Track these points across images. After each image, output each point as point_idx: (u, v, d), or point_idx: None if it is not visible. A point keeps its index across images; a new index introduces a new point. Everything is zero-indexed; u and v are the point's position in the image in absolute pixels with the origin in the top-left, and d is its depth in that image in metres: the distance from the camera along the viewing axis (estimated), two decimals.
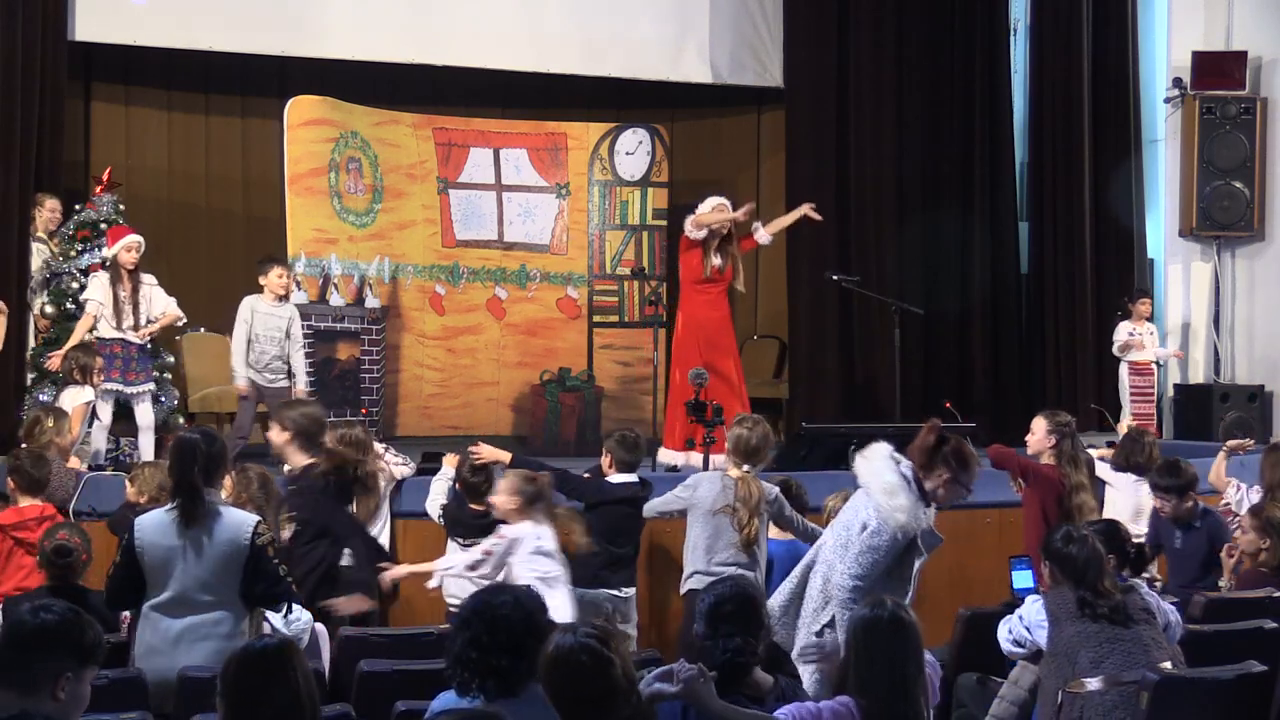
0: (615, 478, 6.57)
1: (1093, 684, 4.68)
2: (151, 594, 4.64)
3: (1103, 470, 7.67)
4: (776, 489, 6.23)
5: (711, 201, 8.97)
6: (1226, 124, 11.02)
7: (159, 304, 8.27)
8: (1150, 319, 10.40)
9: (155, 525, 4.67)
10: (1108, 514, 7.13)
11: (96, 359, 7.70)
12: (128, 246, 8.13)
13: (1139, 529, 6.79)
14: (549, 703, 3.30)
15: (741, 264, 9.09)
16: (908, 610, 3.77)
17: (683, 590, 6.14)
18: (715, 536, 6.04)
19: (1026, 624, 4.99)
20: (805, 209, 9.46)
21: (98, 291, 8.10)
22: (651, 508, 6.40)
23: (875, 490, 4.99)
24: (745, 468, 6.08)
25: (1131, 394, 10.22)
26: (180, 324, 8.59)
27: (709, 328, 8.83)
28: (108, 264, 8.22)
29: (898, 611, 3.73)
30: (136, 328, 8.10)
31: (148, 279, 8.27)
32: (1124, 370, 10.26)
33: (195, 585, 4.60)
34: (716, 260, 8.87)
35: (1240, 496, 7.18)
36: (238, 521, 4.65)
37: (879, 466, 5.03)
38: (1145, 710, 4.55)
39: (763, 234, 9.28)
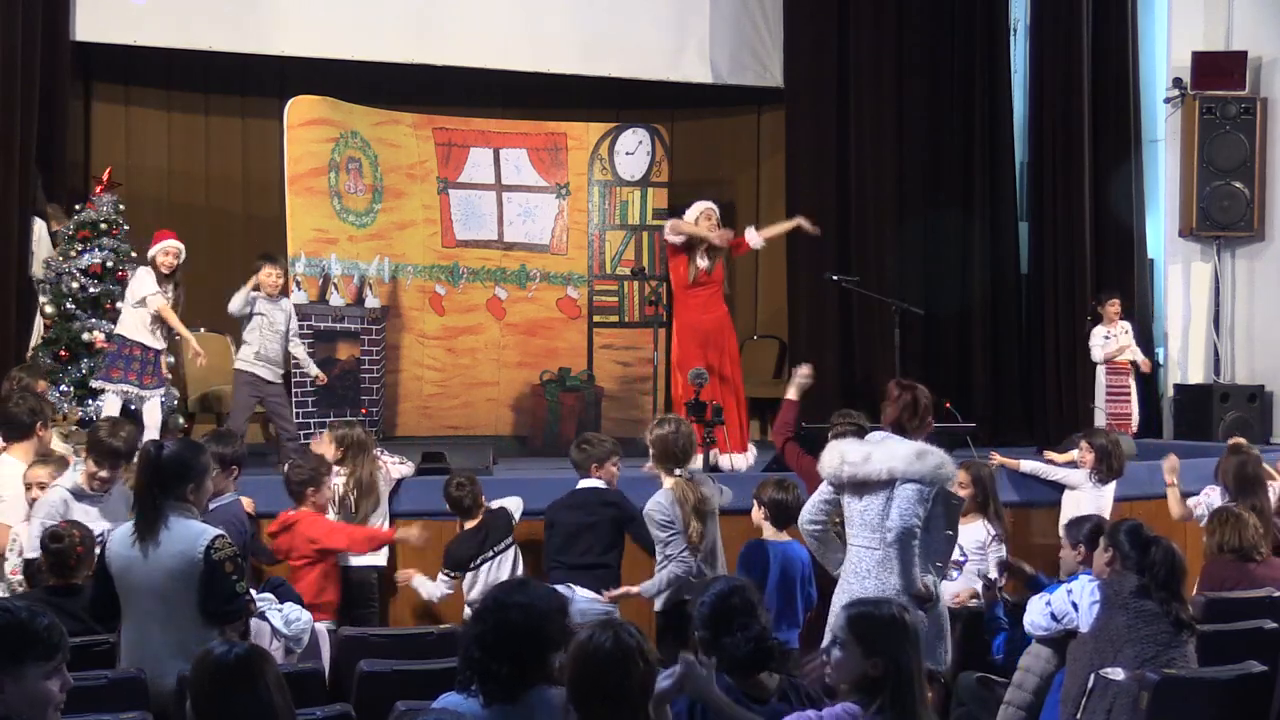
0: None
1: (1118, 674, 4.70)
2: (124, 607, 4.59)
3: (1064, 473, 7.69)
4: (710, 483, 6.07)
5: (699, 207, 8.89)
6: (1226, 124, 11.02)
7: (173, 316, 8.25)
8: (1123, 317, 10.28)
9: (120, 538, 4.60)
10: (1069, 517, 7.17)
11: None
12: (165, 250, 8.15)
13: None
14: (569, 702, 3.26)
15: (728, 265, 8.98)
16: (909, 609, 3.78)
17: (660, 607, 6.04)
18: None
19: (1074, 600, 4.99)
20: (800, 220, 9.33)
21: (149, 284, 8.08)
22: (676, 570, 5.94)
23: (902, 460, 4.95)
24: (678, 471, 5.93)
25: (1108, 395, 10.09)
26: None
27: (704, 329, 8.73)
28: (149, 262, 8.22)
29: (900, 612, 3.73)
30: (160, 331, 8.11)
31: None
32: (1100, 371, 10.18)
33: (152, 599, 4.50)
34: (703, 263, 8.76)
35: (1206, 504, 7.14)
36: (193, 535, 4.50)
37: (891, 444, 5.03)
38: (1145, 710, 4.56)
39: (755, 238, 9.11)
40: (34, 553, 5.50)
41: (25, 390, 6.68)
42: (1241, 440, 7.62)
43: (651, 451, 6.05)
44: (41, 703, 3.10)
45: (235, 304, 8.37)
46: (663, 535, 5.93)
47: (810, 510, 5.22)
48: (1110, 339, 10.07)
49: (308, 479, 6.38)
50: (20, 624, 3.10)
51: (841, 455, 5.07)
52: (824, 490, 5.22)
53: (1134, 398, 10.14)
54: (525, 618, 3.39)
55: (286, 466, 6.58)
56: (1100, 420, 9.88)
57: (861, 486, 5.06)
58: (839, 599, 4.99)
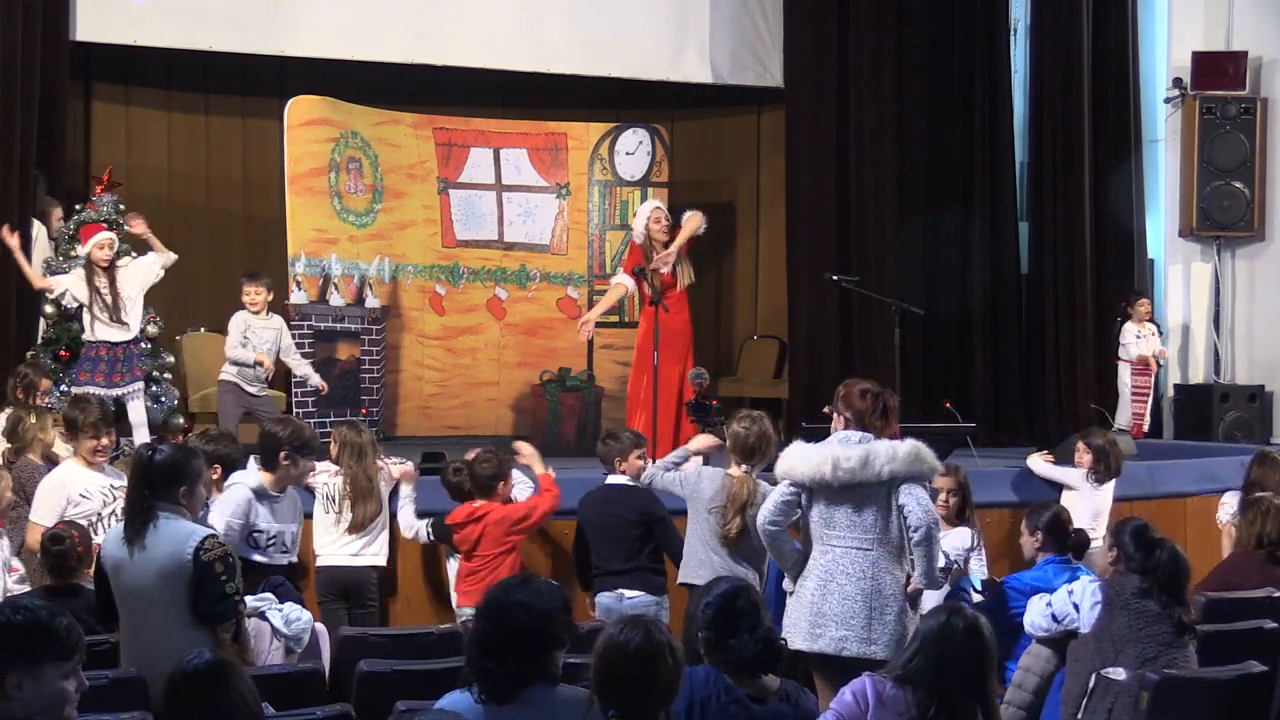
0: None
1: (1120, 674, 4.70)
2: (119, 608, 4.59)
3: (1061, 473, 7.70)
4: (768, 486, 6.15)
5: (646, 209, 8.94)
6: (1226, 124, 11.02)
7: (146, 276, 8.22)
8: (1151, 319, 10.37)
9: (113, 539, 4.61)
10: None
11: (43, 380, 7.54)
12: (99, 244, 8.12)
13: (1099, 530, 6.85)
14: (595, 695, 3.28)
15: (687, 259, 8.84)
16: (983, 620, 3.78)
17: (681, 580, 6.13)
18: (714, 533, 6.02)
19: (1075, 600, 5.00)
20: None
21: (72, 282, 8.12)
22: (652, 474, 6.37)
23: (903, 463, 4.94)
24: (744, 467, 6.00)
25: (1133, 394, 10.18)
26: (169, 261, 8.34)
27: (665, 332, 8.67)
28: (84, 263, 8.19)
29: (975, 621, 3.75)
30: (116, 320, 8.06)
31: (121, 263, 8.22)
32: (1125, 370, 10.23)
33: (143, 600, 4.50)
34: (664, 268, 8.74)
35: (1228, 512, 7.17)
36: (183, 535, 4.49)
37: (882, 446, 5.00)
38: (1145, 710, 4.56)
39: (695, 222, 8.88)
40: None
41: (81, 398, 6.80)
42: (1270, 450, 7.60)
43: (728, 443, 6.16)
44: (59, 702, 3.12)
45: (232, 352, 8.38)
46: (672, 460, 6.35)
47: (772, 511, 5.12)
48: (1142, 338, 10.12)
49: (495, 473, 6.48)
50: (40, 623, 3.11)
51: (834, 460, 4.97)
52: (786, 491, 5.12)
53: (1150, 398, 10.24)
54: (529, 617, 3.38)
55: (473, 462, 6.63)
56: (1124, 416, 9.94)
57: (854, 489, 4.99)
58: (827, 602, 4.96)
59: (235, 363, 8.36)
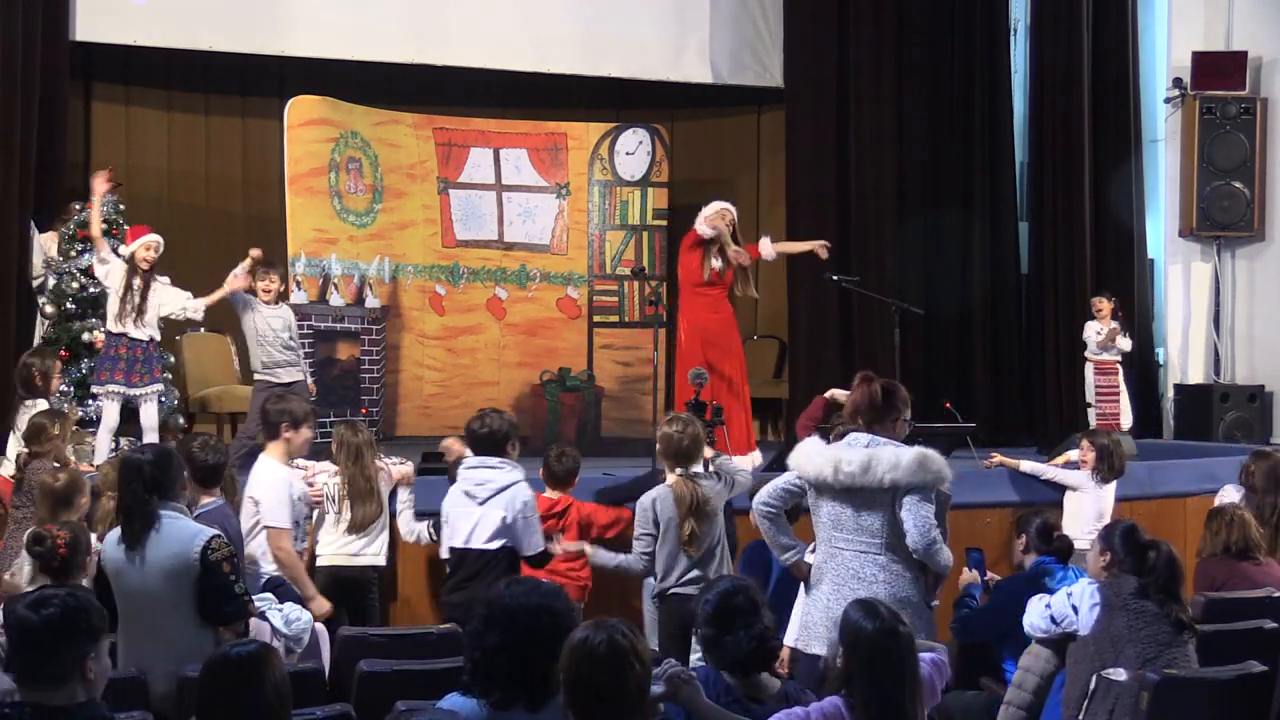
0: None
1: (1120, 675, 4.71)
2: (120, 609, 4.58)
3: (1064, 474, 7.70)
4: (716, 483, 6.00)
5: (715, 206, 8.86)
6: (1226, 124, 11.03)
7: (174, 301, 8.20)
8: (1111, 317, 10.18)
9: (114, 541, 4.60)
10: (1072, 517, 7.24)
11: (56, 364, 7.63)
12: (146, 245, 8.09)
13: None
14: (565, 705, 3.22)
15: (749, 270, 8.96)
16: (903, 620, 3.72)
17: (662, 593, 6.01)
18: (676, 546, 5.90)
19: (1074, 603, 5.00)
20: (817, 246, 9.19)
21: (116, 268, 8.04)
22: (632, 563, 6.02)
23: (906, 471, 4.82)
24: (679, 471, 5.88)
25: (1097, 394, 10.04)
26: (196, 315, 8.38)
27: (710, 329, 8.73)
28: (125, 260, 8.16)
29: (894, 622, 3.67)
30: (139, 324, 8.03)
31: (162, 279, 8.21)
32: (1089, 370, 10.12)
33: (147, 601, 4.49)
34: (717, 263, 8.75)
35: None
36: (188, 536, 4.49)
37: (888, 451, 4.90)
38: (1145, 710, 4.56)
39: (768, 247, 9.07)
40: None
41: (281, 397, 6.75)
42: (1266, 448, 7.63)
43: (658, 448, 6.04)
44: (107, 674, 3.37)
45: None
46: (637, 529, 5.97)
47: (770, 494, 5.07)
48: (1101, 335, 10.04)
49: (573, 468, 6.73)
50: (90, 603, 3.33)
51: (836, 463, 4.88)
52: (791, 481, 5.06)
53: (1123, 396, 10.05)
54: (554, 623, 3.32)
55: (551, 456, 6.79)
56: (1092, 419, 9.87)
57: (858, 493, 4.89)
58: (843, 607, 4.93)
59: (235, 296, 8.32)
